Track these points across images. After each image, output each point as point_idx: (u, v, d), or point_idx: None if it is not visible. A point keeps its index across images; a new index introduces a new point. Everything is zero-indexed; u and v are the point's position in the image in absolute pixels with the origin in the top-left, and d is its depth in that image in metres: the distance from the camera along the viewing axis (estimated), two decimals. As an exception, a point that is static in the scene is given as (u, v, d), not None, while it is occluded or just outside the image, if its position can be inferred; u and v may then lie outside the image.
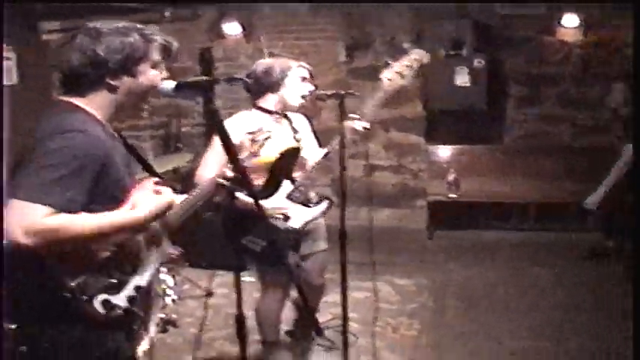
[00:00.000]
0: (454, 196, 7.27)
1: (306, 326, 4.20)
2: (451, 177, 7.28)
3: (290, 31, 7.82)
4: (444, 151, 7.72)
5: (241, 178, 2.59)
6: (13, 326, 2.15)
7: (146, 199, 2.30)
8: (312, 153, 3.89)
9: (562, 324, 5.01)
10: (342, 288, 3.86)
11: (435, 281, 5.99)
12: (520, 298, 5.56)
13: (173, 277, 2.75)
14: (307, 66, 3.95)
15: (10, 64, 6.58)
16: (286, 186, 3.77)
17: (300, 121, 4.02)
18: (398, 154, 7.91)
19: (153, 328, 2.51)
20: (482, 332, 4.92)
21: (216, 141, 3.30)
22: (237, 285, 2.78)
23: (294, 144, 3.84)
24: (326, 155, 3.76)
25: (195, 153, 6.85)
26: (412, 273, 6.16)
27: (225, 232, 3.55)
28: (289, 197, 3.77)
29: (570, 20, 7.37)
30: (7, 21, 5.15)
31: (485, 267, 6.36)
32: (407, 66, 3.83)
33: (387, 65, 3.87)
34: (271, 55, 7.18)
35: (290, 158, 3.77)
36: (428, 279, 6.03)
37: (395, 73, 3.82)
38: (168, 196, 2.37)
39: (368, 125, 3.82)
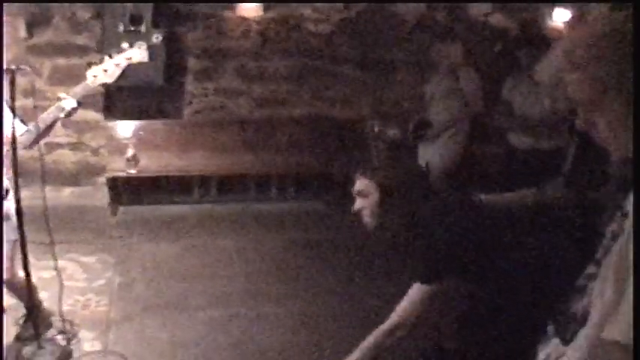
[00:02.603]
0: (133, 171, 7.27)
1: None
2: (130, 153, 7.27)
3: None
4: (123, 127, 7.65)
5: None
6: None
7: None
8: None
9: (248, 291, 5.30)
10: (24, 268, 3.80)
11: (120, 257, 5.99)
12: (206, 269, 5.76)
13: None
14: None
15: None
16: None
17: None
18: (77, 130, 7.69)
19: None
20: (171, 304, 5.06)
21: None
22: None
23: None
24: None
25: None
26: (97, 250, 6.09)
27: None
28: None
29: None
30: None
31: (170, 240, 6.48)
32: (116, 65, 3.86)
33: (98, 62, 3.90)
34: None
35: None
36: (113, 255, 6.01)
37: (102, 71, 3.83)
38: None
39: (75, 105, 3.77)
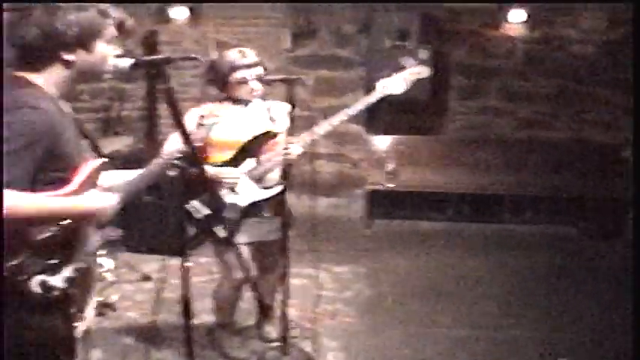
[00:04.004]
0: (392, 185, 7.33)
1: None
2: (390, 167, 7.33)
3: (236, 17, 7.71)
4: (383, 141, 7.75)
5: (192, 155, 2.65)
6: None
7: (96, 193, 2.32)
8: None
9: (496, 313, 5.13)
10: (283, 275, 3.89)
11: (371, 269, 6.04)
12: (455, 287, 5.66)
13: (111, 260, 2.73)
14: (249, 53, 3.88)
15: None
16: (249, 164, 3.84)
17: (279, 107, 3.96)
18: (338, 142, 7.93)
19: (90, 311, 2.49)
20: (418, 319, 5.00)
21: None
22: (184, 266, 2.81)
23: (267, 127, 3.87)
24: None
25: (135, 137, 6.76)
26: (349, 261, 6.21)
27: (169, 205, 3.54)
28: (246, 174, 3.82)
29: (516, 15, 7.54)
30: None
31: (422, 256, 6.45)
32: (404, 79, 4.07)
33: (388, 75, 4.09)
34: (217, 42, 7.09)
35: (261, 140, 3.84)
36: (365, 267, 6.08)
37: (392, 83, 4.04)
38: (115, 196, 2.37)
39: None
